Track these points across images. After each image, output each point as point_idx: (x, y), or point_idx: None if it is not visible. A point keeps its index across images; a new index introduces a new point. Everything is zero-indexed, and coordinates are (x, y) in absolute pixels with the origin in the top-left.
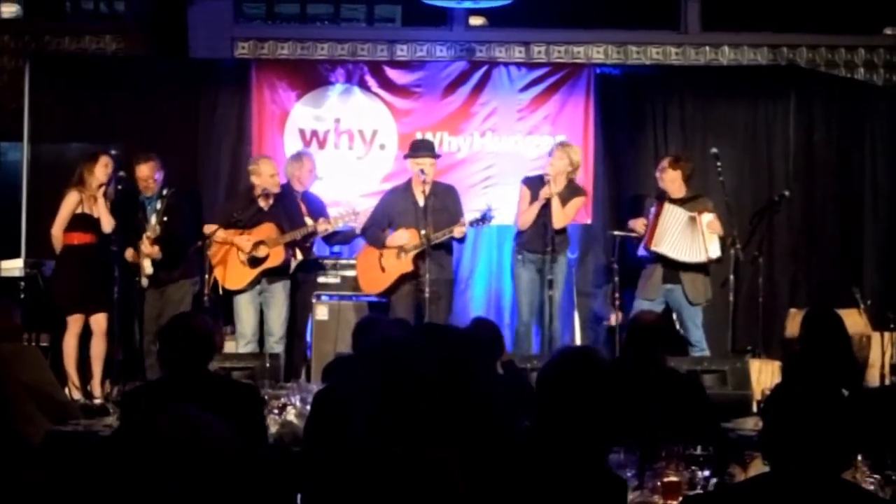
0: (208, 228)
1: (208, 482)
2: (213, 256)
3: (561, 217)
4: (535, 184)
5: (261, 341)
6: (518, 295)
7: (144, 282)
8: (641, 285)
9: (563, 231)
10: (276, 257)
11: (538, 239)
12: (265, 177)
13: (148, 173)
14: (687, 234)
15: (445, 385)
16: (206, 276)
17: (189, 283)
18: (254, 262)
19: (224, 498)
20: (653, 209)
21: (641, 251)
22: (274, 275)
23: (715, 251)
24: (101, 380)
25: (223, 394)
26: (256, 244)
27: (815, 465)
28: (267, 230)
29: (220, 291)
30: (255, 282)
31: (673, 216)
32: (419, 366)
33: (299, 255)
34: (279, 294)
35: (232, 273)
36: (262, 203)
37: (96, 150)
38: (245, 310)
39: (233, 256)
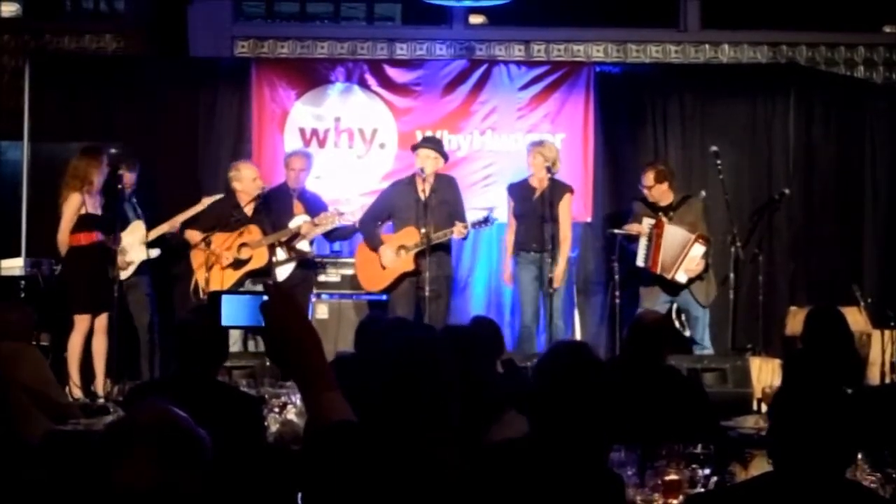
0: (192, 236)
1: (185, 476)
2: (194, 259)
3: (567, 232)
4: (517, 190)
5: (245, 341)
6: (521, 297)
7: (125, 273)
8: (643, 299)
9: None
10: (259, 259)
11: (534, 237)
12: (247, 181)
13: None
14: (673, 251)
15: (451, 384)
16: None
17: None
18: (237, 264)
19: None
20: (647, 221)
21: (640, 263)
22: (258, 276)
23: (681, 277)
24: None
25: (225, 401)
26: (240, 246)
27: (818, 464)
28: (249, 232)
29: (201, 294)
30: (239, 284)
31: (671, 235)
32: (442, 366)
33: (280, 254)
34: None
35: (215, 275)
36: (245, 206)
37: (97, 148)
38: None
39: (213, 258)
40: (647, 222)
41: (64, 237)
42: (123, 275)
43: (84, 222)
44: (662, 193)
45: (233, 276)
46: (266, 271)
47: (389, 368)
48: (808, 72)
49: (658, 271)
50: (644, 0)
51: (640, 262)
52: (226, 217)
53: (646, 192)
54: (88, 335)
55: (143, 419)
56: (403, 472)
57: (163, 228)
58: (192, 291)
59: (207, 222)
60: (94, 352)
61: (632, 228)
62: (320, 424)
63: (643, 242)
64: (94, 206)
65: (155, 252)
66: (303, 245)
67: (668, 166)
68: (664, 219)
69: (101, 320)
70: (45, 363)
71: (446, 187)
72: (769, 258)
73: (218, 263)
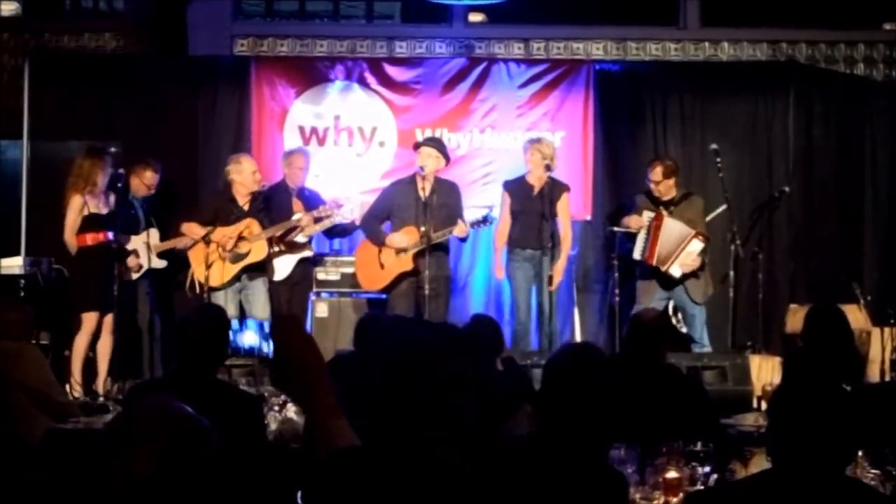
0: (191, 230)
1: (189, 470)
2: (193, 257)
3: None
4: (515, 187)
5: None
6: (514, 294)
7: (135, 275)
8: (640, 294)
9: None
10: (258, 252)
11: (532, 235)
12: (247, 174)
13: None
14: (670, 244)
15: (452, 383)
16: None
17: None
18: (235, 258)
19: (213, 492)
20: (647, 214)
21: (637, 256)
22: (253, 270)
23: (675, 271)
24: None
25: (225, 399)
26: (238, 240)
27: (817, 461)
28: (249, 227)
29: (198, 289)
30: (235, 278)
31: (669, 228)
32: (444, 365)
33: (274, 248)
34: (260, 290)
35: (213, 270)
36: (241, 201)
37: (99, 149)
38: (225, 306)
39: (212, 253)
40: (647, 215)
41: (70, 239)
42: (133, 276)
43: (89, 223)
44: (668, 188)
45: (231, 270)
46: (264, 265)
47: (389, 367)
48: (807, 69)
49: (654, 263)
50: None
51: (636, 255)
52: (225, 212)
53: (652, 186)
54: (94, 334)
55: (147, 409)
56: (408, 488)
57: (175, 243)
58: (189, 287)
59: (206, 216)
60: (99, 351)
61: (631, 221)
62: (328, 451)
63: (641, 235)
64: (97, 206)
65: (162, 263)
66: (299, 238)
67: (674, 161)
68: (664, 212)
69: (108, 320)
70: (45, 362)
71: (448, 192)
72: (769, 256)
73: (217, 258)
